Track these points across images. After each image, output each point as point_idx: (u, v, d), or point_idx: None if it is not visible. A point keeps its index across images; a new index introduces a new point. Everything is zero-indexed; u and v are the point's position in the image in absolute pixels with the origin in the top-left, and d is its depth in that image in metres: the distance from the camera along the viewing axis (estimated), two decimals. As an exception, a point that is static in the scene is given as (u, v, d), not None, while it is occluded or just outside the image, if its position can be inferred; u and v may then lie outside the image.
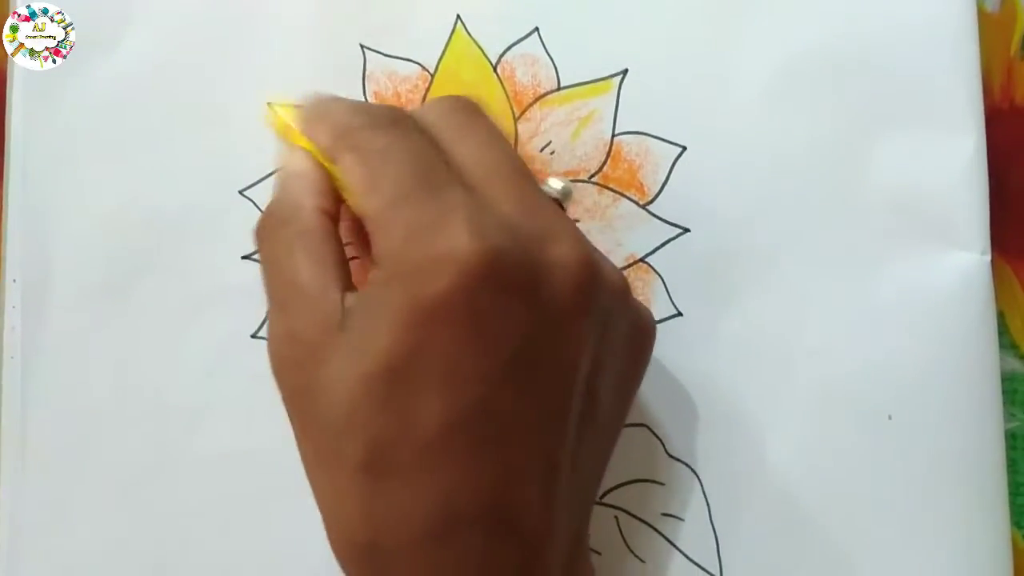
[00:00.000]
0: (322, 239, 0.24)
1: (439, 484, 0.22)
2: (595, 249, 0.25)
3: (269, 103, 0.30)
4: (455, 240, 0.21)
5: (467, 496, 0.22)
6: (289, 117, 0.26)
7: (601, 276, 0.24)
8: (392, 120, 0.24)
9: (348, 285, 0.24)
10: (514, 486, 0.22)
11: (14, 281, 0.30)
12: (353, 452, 0.22)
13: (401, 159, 0.23)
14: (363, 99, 0.31)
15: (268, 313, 0.24)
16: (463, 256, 0.21)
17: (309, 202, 0.24)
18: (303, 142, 0.25)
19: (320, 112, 0.25)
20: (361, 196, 0.23)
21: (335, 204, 0.25)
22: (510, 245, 0.22)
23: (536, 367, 0.22)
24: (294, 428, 0.24)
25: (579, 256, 0.23)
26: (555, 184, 0.26)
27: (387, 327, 0.22)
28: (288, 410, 0.24)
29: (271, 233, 0.25)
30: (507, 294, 0.22)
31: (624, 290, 0.25)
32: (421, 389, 0.22)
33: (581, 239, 0.24)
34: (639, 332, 0.26)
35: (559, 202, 0.26)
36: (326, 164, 0.25)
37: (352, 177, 0.23)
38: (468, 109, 0.26)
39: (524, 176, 0.25)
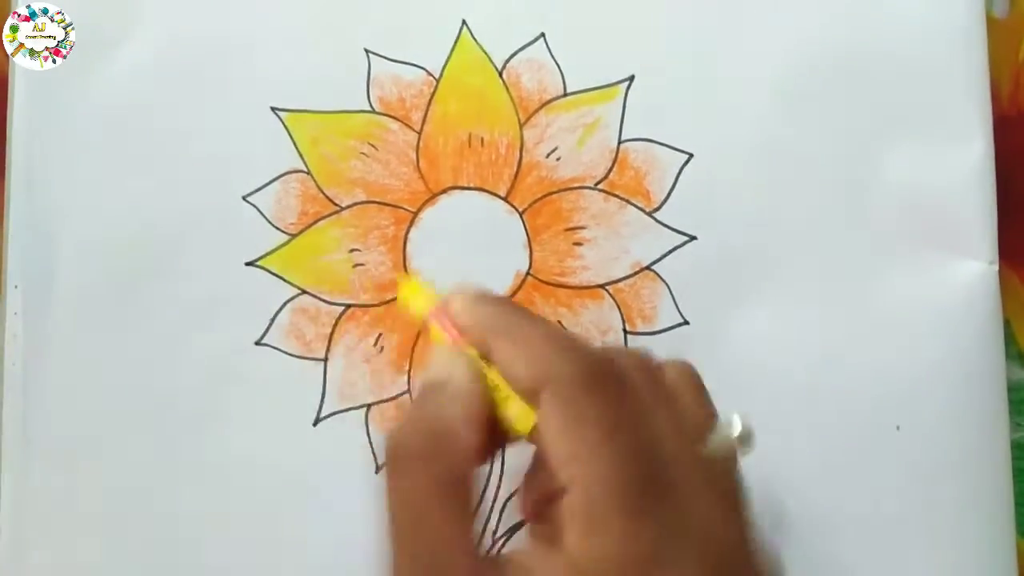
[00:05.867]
0: (468, 491, 0.21)
1: None
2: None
3: (409, 281, 0.29)
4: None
5: None
6: (432, 303, 0.24)
7: None
8: (613, 378, 0.22)
9: (478, 543, 0.21)
10: None
11: (16, 287, 0.30)
12: None
13: (630, 441, 0.21)
14: (368, 104, 0.31)
15: (394, 567, 0.21)
16: None
17: (464, 438, 0.21)
18: (460, 341, 0.23)
19: (509, 332, 0.22)
20: (570, 464, 0.21)
21: (487, 436, 0.22)
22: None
23: None
24: None
25: (772, 570, 0.22)
26: (735, 426, 0.24)
27: None
28: None
29: (410, 466, 0.21)
30: None
31: None
32: None
33: (765, 541, 0.22)
34: None
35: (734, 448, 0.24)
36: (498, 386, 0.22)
37: (558, 437, 0.21)
38: (657, 373, 0.23)
39: (717, 471, 0.22)
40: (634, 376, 0.22)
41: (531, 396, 0.21)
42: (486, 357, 0.22)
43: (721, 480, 0.22)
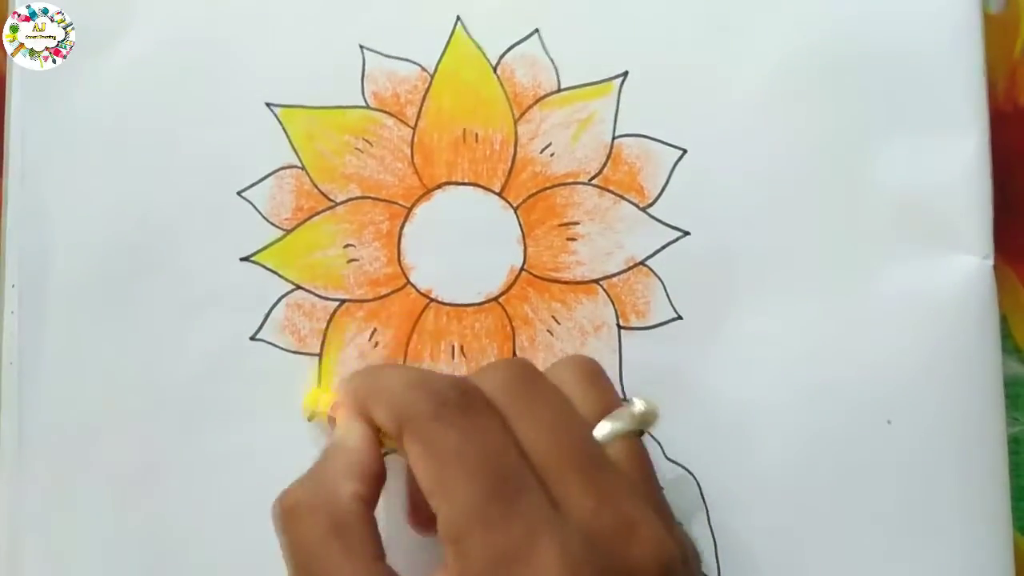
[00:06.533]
0: (360, 531, 0.23)
1: None
2: (669, 519, 0.24)
3: (308, 394, 0.30)
4: (545, 573, 0.21)
5: None
6: (332, 400, 0.28)
7: (677, 569, 0.23)
8: (460, 406, 0.23)
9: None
10: None
11: (13, 286, 0.30)
12: None
13: (475, 460, 0.22)
14: (362, 100, 0.31)
15: None
16: None
17: (347, 487, 0.24)
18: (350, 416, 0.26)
19: (375, 389, 0.25)
20: (432, 497, 0.23)
21: (376, 488, 0.24)
22: (598, 570, 0.21)
23: None
24: None
25: (659, 556, 0.22)
26: (637, 407, 0.25)
27: None
28: None
29: (300, 517, 0.24)
30: None
31: (697, 566, 0.25)
32: None
33: (658, 527, 0.23)
34: None
35: (639, 431, 0.25)
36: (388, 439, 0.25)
37: (420, 473, 0.23)
38: (530, 379, 0.25)
39: (597, 460, 0.24)
40: (495, 395, 0.24)
41: (398, 440, 0.24)
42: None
43: (603, 468, 0.23)
